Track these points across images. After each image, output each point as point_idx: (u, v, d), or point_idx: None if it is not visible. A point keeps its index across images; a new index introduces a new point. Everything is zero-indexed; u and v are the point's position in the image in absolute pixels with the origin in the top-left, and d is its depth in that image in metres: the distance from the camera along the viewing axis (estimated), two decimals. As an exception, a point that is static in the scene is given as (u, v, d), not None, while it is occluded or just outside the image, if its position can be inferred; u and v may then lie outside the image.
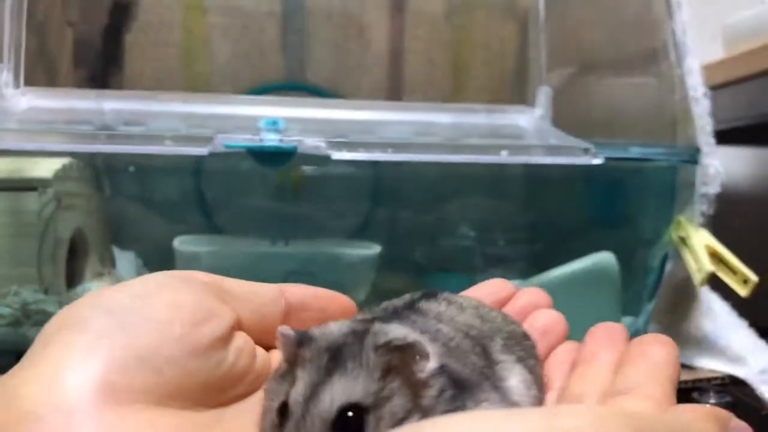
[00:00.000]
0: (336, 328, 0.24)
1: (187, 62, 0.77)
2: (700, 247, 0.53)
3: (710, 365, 0.55)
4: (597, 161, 0.45)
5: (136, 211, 0.63)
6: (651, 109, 0.57)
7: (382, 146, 0.43)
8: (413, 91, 0.77)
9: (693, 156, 0.53)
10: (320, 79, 0.77)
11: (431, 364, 0.23)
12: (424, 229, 0.66)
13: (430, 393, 0.22)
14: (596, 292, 0.55)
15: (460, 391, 0.23)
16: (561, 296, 0.55)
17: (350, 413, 0.22)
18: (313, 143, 0.40)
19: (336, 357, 0.23)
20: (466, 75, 0.79)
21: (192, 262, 0.55)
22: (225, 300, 0.26)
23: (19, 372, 0.21)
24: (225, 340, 0.25)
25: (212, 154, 0.40)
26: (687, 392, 0.53)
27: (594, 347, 0.29)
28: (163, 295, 0.24)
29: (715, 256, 0.54)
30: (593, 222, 0.63)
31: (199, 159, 0.60)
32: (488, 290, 0.35)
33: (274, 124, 0.41)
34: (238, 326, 0.26)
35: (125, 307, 0.23)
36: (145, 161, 0.60)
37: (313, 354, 0.23)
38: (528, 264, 0.63)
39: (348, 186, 0.64)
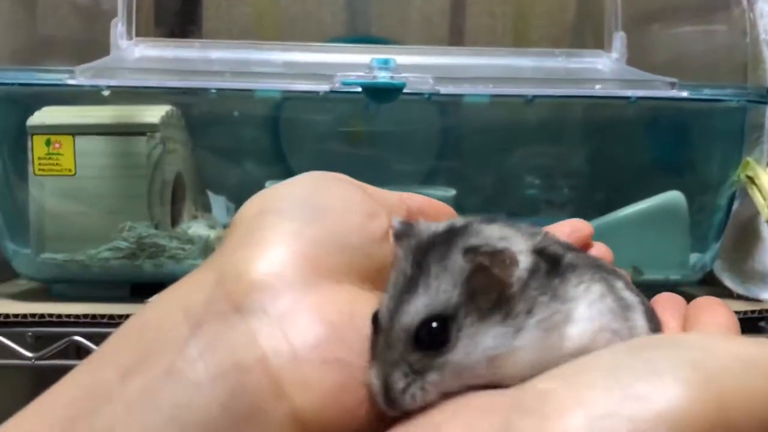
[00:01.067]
0: (435, 226, 0.25)
1: (259, 19, 0.81)
2: (768, 184, 0.56)
3: (776, 298, 0.58)
4: (684, 94, 0.47)
5: (224, 159, 0.67)
6: (721, 54, 0.59)
7: (485, 81, 0.46)
8: (475, 43, 0.80)
9: (764, 96, 0.54)
10: (385, 33, 0.80)
11: (520, 270, 0.23)
12: (491, 176, 0.69)
13: (517, 284, 0.23)
14: (666, 230, 0.58)
15: (562, 269, 0.24)
16: (631, 234, 0.58)
17: (433, 324, 0.22)
18: (421, 79, 0.44)
19: (424, 259, 0.24)
20: (527, 25, 0.81)
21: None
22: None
23: (235, 251, 0.25)
24: (386, 234, 0.27)
25: (332, 92, 0.43)
26: (754, 321, 0.55)
27: (662, 315, 0.29)
28: (335, 190, 0.27)
29: (783, 194, 0.56)
30: (661, 166, 0.66)
31: (278, 108, 0.65)
32: (569, 228, 0.34)
33: (385, 63, 0.44)
34: None
35: (311, 199, 0.27)
36: (232, 111, 0.64)
37: (405, 252, 0.24)
38: (594, 209, 0.66)
39: (418, 134, 0.67)
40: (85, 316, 0.51)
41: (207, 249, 0.56)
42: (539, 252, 0.24)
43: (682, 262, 0.58)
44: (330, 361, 0.22)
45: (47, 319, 0.51)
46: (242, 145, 0.67)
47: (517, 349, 0.23)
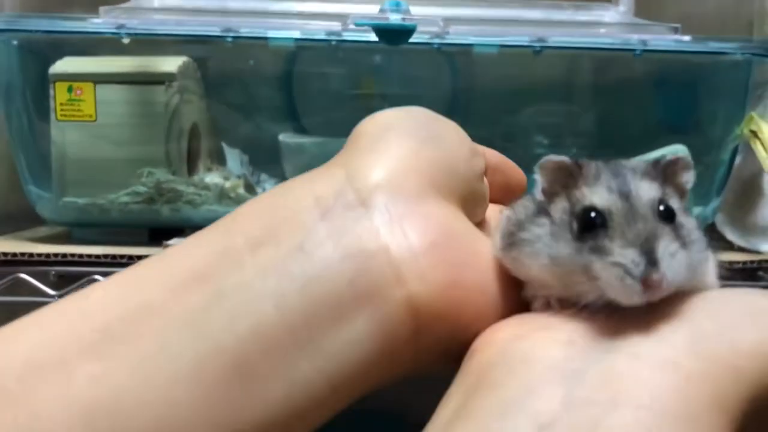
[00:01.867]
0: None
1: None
2: (771, 137, 0.57)
3: (775, 249, 0.59)
4: (686, 38, 0.48)
5: (238, 112, 0.69)
6: (728, 10, 0.60)
7: (493, 23, 0.47)
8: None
9: (769, 50, 0.55)
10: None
11: (692, 176, 0.27)
12: (499, 133, 0.70)
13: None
14: (669, 182, 0.59)
15: None
16: (635, 185, 0.59)
17: (662, 206, 0.25)
18: (431, 21, 0.45)
19: (622, 171, 0.26)
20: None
21: (298, 152, 0.61)
22: None
23: (363, 155, 0.28)
24: (483, 173, 0.31)
25: (343, 41, 0.45)
26: (753, 271, 0.57)
27: None
28: (444, 124, 0.30)
29: (785, 148, 0.57)
30: (666, 124, 0.67)
31: (291, 61, 0.66)
32: None
33: (397, 5, 0.46)
34: None
35: (427, 125, 0.30)
36: (247, 63, 0.66)
37: (598, 170, 0.26)
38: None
39: (428, 91, 0.69)
40: (105, 256, 0.53)
41: (222, 195, 0.58)
42: None
43: (684, 214, 0.60)
44: (443, 260, 0.25)
45: (69, 258, 0.53)
46: (256, 100, 0.69)
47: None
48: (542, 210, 0.27)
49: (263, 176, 0.67)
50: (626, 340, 0.22)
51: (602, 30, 0.49)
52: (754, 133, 0.59)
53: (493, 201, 0.36)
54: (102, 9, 0.54)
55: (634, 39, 0.49)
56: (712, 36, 0.55)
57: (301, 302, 0.23)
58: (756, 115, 0.59)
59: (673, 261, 0.23)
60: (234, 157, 0.67)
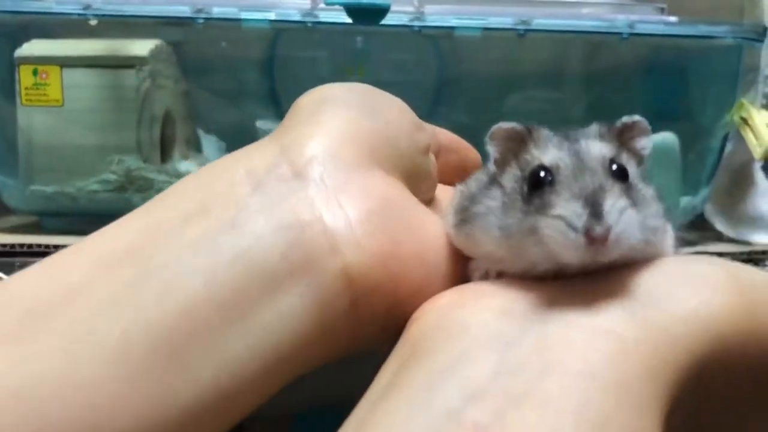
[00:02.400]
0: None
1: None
2: (762, 124, 0.55)
3: (766, 240, 0.58)
4: (672, 19, 0.47)
5: (216, 98, 0.67)
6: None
7: (473, 2, 0.45)
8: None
9: (761, 34, 0.54)
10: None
11: (649, 141, 0.26)
12: (486, 119, 0.69)
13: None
14: (657, 171, 0.58)
15: None
16: (622, 174, 0.58)
17: (614, 166, 0.24)
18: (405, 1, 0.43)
19: (574, 134, 0.26)
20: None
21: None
22: None
23: (297, 128, 0.27)
24: (428, 149, 0.31)
25: (318, 22, 0.43)
26: (743, 262, 0.55)
27: None
28: (387, 98, 0.30)
29: (776, 135, 0.55)
30: (655, 110, 0.65)
31: (270, 46, 0.64)
32: None
33: (370, -15, 0.44)
34: None
35: (368, 98, 0.29)
36: (221, 46, 0.64)
37: (549, 133, 0.26)
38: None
39: (413, 74, 0.67)
40: (74, 246, 0.52)
41: (196, 184, 0.56)
42: None
43: (673, 204, 0.58)
44: (380, 230, 0.25)
45: (35, 249, 0.51)
46: (235, 86, 0.67)
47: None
48: (494, 181, 0.26)
49: (241, 164, 0.65)
50: (562, 308, 0.22)
51: (585, 11, 0.47)
52: (745, 120, 0.57)
53: (447, 182, 0.35)
54: (67, -12, 0.52)
55: (620, 21, 0.47)
56: (700, 18, 0.53)
57: (231, 278, 0.22)
58: (746, 101, 0.58)
59: (623, 217, 0.22)
60: (211, 144, 0.65)
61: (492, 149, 0.27)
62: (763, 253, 0.56)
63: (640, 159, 0.27)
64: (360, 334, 0.25)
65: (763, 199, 0.60)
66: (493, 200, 0.26)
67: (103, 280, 0.22)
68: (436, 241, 0.27)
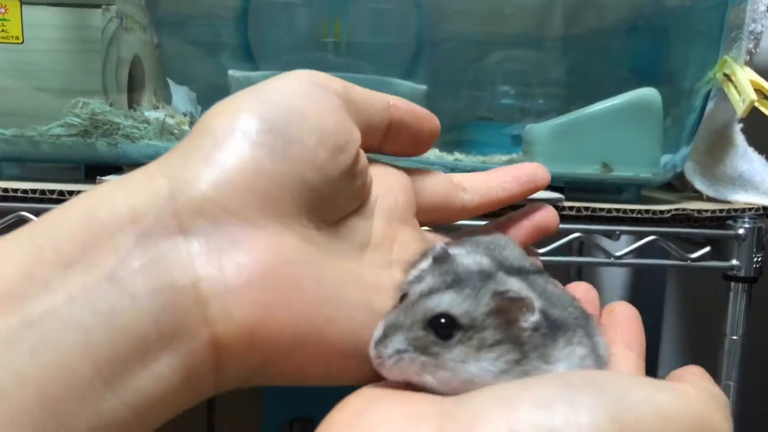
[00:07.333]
0: (471, 261, 0.28)
1: None
2: (744, 80, 0.54)
3: (745, 199, 0.57)
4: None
5: (187, 48, 0.64)
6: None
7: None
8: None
9: (745, -12, 0.53)
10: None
11: (534, 317, 0.26)
12: (466, 78, 0.67)
13: (526, 333, 0.26)
14: (639, 127, 0.57)
15: (555, 332, 0.26)
16: (603, 129, 0.57)
17: (443, 320, 0.25)
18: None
19: (460, 281, 0.26)
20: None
21: (247, 87, 0.57)
22: (351, 113, 0.29)
23: (195, 163, 0.25)
24: (354, 164, 0.29)
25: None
26: (722, 220, 0.55)
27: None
28: (312, 111, 0.27)
29: (759, 92, 0.55)
30: (638, 70, 0.64)
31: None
32: (520, 172, 0.37)
33: None
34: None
35: (286, 123, 0.27)
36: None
37: (445, 270, 0.27)
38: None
39: (394, 29, 0.65)
40: (34, 191, 0.49)
41: (164, 130, 0.54)
42: (543, 312, 0.26)
43: (653, 161, 0.57)
44: (255, 301, 0.24)
45: (-6, 193, 0.49)
46: (208, 36, 0.65)
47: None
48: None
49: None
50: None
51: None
52: (728, 77, 0.56)
53: (402, 154, 0.34)
54: None
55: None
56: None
57: (106, 337, 0.22)
58: (730, 58, 0.57)
59: (398, 355, 0.25)
60: (181, 95, 0.63)
61: None
62: (742, 211, 0.55)
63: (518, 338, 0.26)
64: (225, 386, 0.26)
65: (743, 159, 0.60)
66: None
67: None
68: (333, 299, 0.27)
